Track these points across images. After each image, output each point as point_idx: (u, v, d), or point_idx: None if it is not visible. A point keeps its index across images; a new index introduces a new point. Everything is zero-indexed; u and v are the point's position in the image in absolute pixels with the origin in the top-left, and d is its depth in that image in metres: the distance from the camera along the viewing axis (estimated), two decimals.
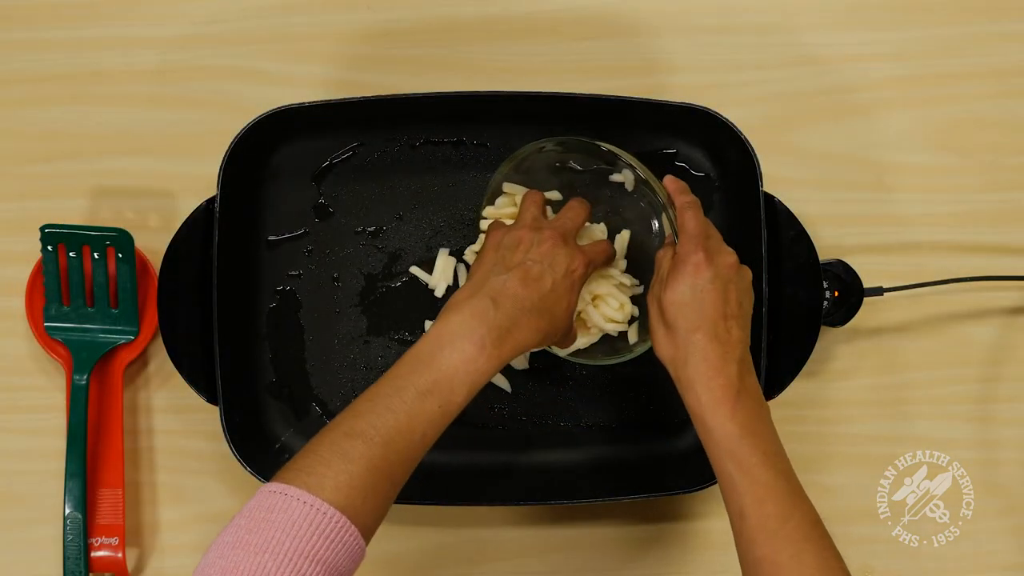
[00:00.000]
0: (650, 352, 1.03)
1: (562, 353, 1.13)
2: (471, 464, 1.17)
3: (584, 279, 1.03)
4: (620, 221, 1.14)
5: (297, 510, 0.83)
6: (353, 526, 0.85)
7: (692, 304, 0.97)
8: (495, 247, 1.01)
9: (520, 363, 1.17)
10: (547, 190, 1.13)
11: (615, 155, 1.10)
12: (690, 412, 0.97)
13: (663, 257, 1.03)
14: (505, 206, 1.13)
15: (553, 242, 1.01)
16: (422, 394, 0.91)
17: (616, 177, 1.14)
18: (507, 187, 1.13)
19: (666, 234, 1.10)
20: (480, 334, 0.94)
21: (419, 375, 0.92)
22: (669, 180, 1.06)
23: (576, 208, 1.07)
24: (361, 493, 0.86)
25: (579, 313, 1.11)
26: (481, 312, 0.95)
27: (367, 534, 0.87)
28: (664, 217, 1.12)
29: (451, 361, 0.93)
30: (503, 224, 1.05)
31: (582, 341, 1.12)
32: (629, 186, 1.14)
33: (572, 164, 1.14)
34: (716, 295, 0.97)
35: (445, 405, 0.92)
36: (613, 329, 1.12)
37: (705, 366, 0.96)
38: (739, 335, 0.98)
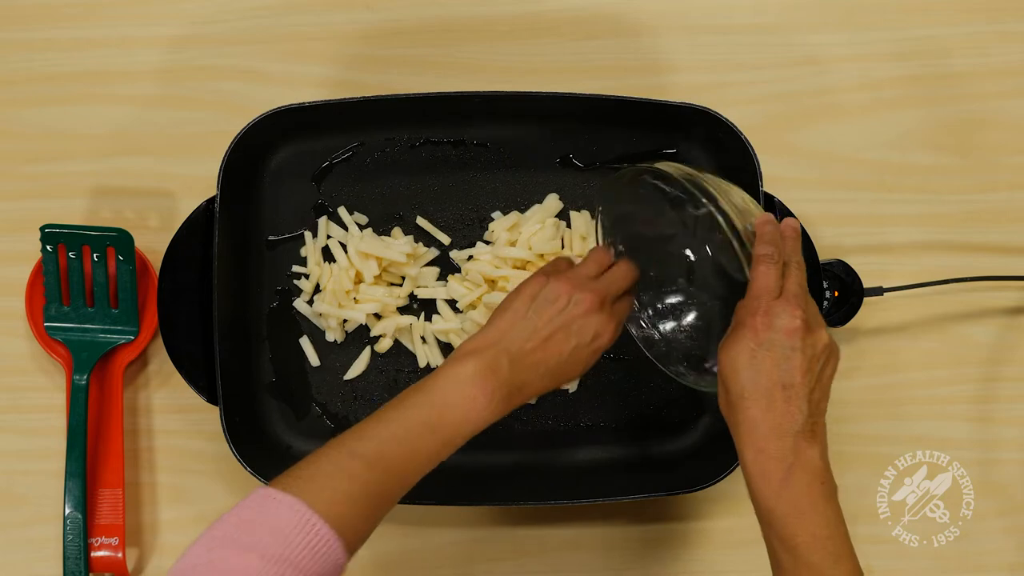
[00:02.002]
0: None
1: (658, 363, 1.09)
2: (471, 465, 1.16)
3: (608, 346, 1.01)
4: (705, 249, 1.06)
5: (290, 518, 0.84)
6: (339, 541, 0.86)
7: (745, 370, 0.92)
8: (531, 296, 0.99)
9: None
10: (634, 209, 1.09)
11: (718, 188, 1.00)
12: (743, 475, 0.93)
13: (737, 310, 0.96)
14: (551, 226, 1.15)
15: (588, 307, 0.99)
16: (428, 429, 0.92)
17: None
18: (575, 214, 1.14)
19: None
20: (492, 387, 0.94)
21: (428, 411, 0.93)
22: (760, 223, 0.97)
23: (623, 270, 1.04)
24: (353, 513, 0.88)
25: None
26: (497, 367, 0.95)
27: (351, 551, 0.88)
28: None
29: (460, 405, 0.94)
30: (548, 272, 1.02)
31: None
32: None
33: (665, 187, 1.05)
34: (772, 363, 0.91)
35: (446, 444, 0.93)
36: None
37: (753, 436, 0.91)
38: (800, 406, 0.91)
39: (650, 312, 1.09)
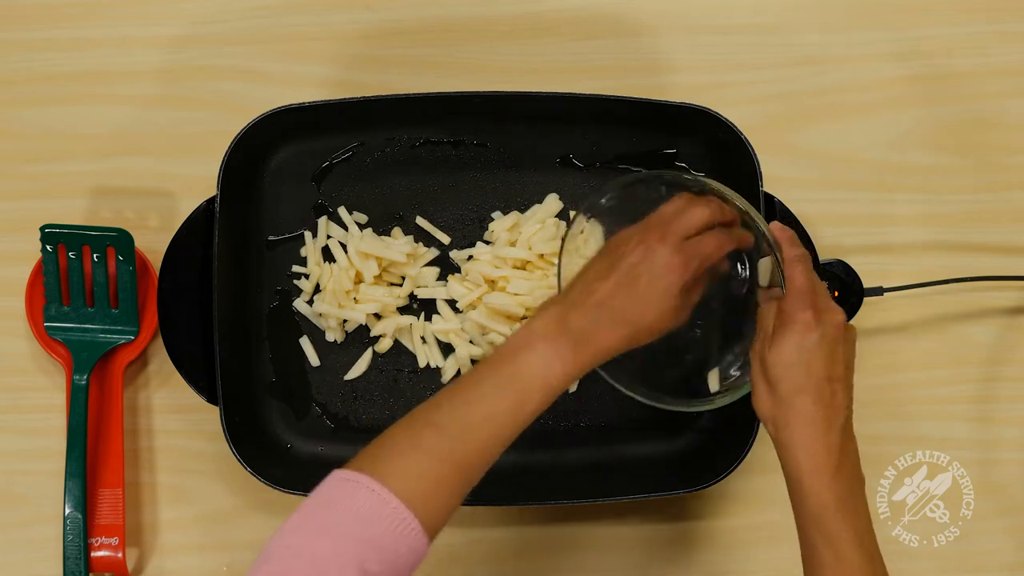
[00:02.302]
0: (741, 401, 1.01)
1: (622, 388, 1.07)
2: None
3: (682, 281, 0.95)
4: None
5: (362, 497, 0.83)
6: (416, 519, 0.84)
7: (798, 365, 0.93)
8: (611, 243, 0.97)
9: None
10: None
11: (718, 193, 1.01)
12: (785, 474, 0.94)
13: (767, 312, 0.97)
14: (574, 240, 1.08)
15: (648, 245, 0.95)
16: (497, 389, 0.90)
17: None
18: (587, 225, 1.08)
19: (759, 280, 1.02)
20: (558, 339, 0.92)
21: (497, 371, 0.91)
22: (777, 228, 0.99)
23: (699, 208, 0.97)
24: (430, 485, 0.86)
25: None
26: (562, 317, 0.92)
27: (431, 530, 0.86)
28: (764, 263, 1.03)
29: (528, 361, 0.91)
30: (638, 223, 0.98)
31: None
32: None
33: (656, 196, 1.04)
34: (824, 356, 0.93)
35: (519, 405, 0.90)
36: None
37: (808, 430, 0.92)
38: (843, 399, 0.93)
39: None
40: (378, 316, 1.17)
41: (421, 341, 1.17)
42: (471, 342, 1.16)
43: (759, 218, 1.01)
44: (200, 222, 1.13)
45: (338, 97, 1.16)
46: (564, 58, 1.24)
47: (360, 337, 1.18)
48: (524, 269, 1.16)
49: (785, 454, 0.93)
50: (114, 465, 1.16)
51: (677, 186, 1.02)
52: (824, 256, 1.18)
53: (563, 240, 1.06)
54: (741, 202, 1.01)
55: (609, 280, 0.94)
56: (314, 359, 1.17)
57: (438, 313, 1.17)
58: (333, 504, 0.83)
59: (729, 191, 1.01)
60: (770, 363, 0.94)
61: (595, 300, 0.93)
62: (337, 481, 0.85)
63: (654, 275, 0.94)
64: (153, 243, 1.19)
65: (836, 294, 1.16)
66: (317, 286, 1.17)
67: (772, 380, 0.94)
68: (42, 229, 1.14)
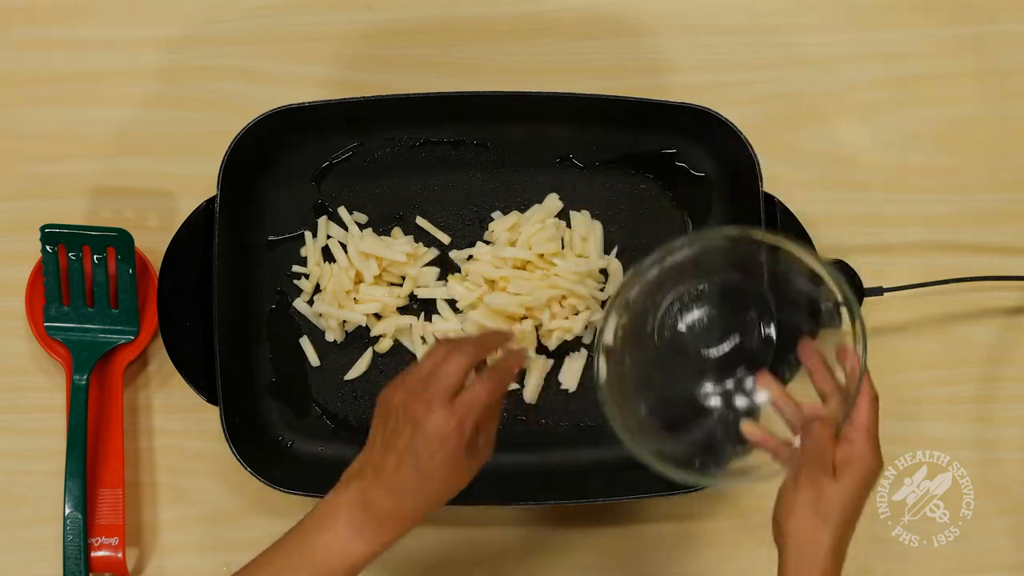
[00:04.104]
0: None
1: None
2: None
3: (465, 440, 0.90)
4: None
5: None
6: None
7: (857, 505, 0.94)
8: (382, 411, 0.94)
9: (530, 396, 1.17)
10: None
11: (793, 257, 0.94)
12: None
13: (822, 433, 0.93)
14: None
15: (415, 418, 0.90)
16: (297, 570, 0.91)
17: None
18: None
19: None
20: (358, 519, 0.91)
21: (295, 553, 0.91)
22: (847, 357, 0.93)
23: (451, 361, 0.92)
24: None
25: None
26: (361, 496, 0.91)
27: None
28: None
29: (327, 542, 0.91)
30: (396, 383, 0.94)
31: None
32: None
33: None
34: (838, 514, 0.94)
35: None
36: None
37: (821, 555, 0.94)
38: (852, 527, 0.95)
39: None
40: (378, 316, 1.17)
41: (421, 341, 1.17)
42: None
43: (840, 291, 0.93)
44: (200, 222, 1.13)
45: (338, 97, 1.16)
46: (564, 58, 1.24)
47: (360, 337, 1.18)
48: (524, 269, 1.16)
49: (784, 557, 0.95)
50: (114, 465, 1.16)
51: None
52: (824, 256, 1.18)
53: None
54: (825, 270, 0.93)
55: (392, 456, 0.91)
56: (314, 359, 1.17)
57: (438, 313, 1.17)
58: None
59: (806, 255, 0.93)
60: (831, 496, 0.93)
61: (387, 480, 0.91)
62: None
63: (432, 449, 0.90)
64: (153, 243, 1.19)
65: None
66: (317, 286, 1.17)
67: (824, 512, 0.94)
68: (42, 229, 1.14)
